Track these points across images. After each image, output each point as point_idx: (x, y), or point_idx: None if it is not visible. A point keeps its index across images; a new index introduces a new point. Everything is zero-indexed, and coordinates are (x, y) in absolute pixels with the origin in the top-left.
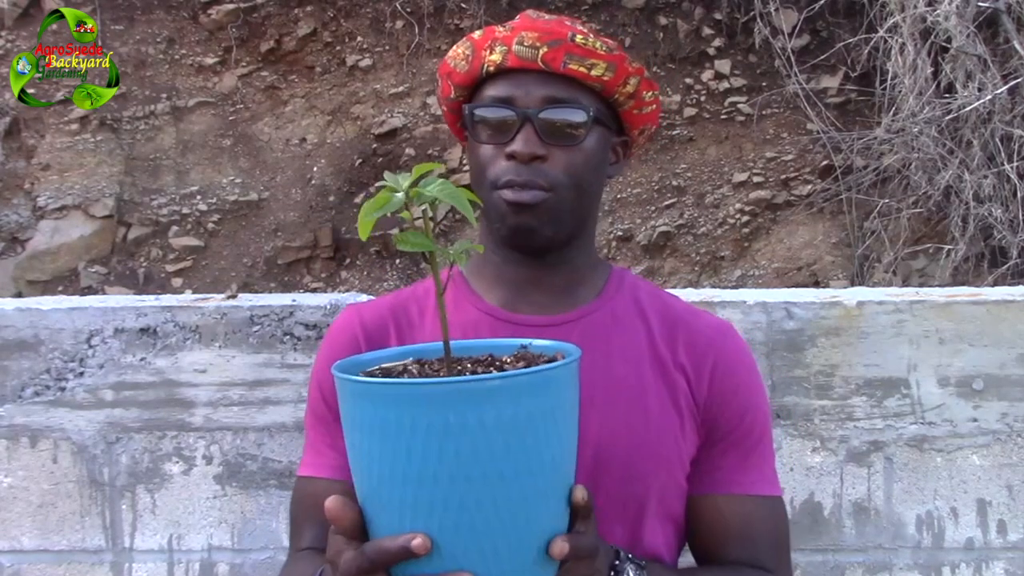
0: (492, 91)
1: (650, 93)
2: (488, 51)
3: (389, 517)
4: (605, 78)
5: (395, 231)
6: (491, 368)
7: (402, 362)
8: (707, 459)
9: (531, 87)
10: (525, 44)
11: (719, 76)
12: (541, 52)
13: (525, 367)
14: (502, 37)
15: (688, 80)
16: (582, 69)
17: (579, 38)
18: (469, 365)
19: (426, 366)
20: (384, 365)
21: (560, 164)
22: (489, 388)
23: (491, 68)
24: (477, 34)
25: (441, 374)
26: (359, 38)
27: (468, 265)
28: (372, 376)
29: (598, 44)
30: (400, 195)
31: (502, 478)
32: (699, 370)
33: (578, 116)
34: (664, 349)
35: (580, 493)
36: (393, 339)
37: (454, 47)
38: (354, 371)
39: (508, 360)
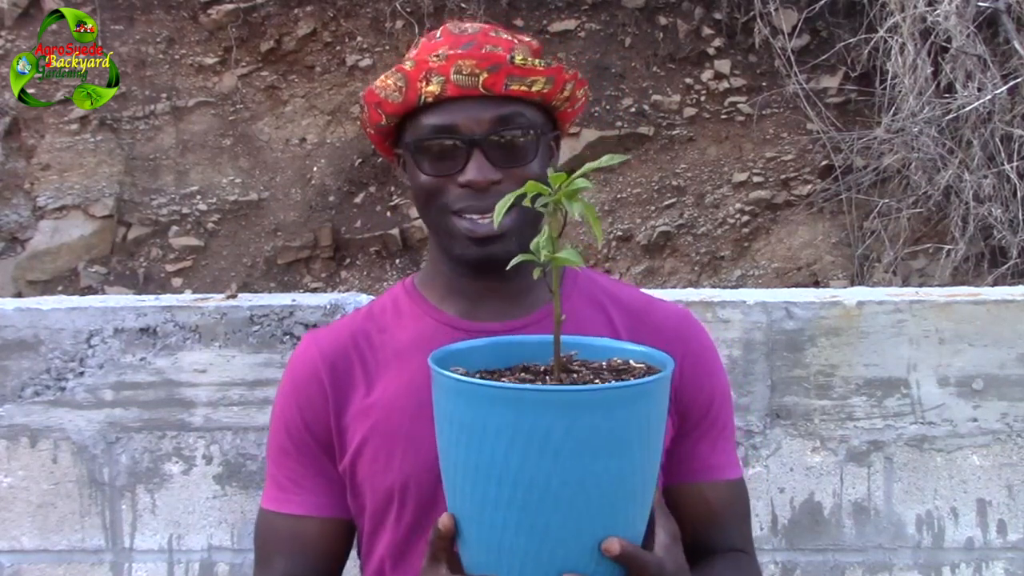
0: (432, 120)
1: (582, 90)
2: (424, 82)
3: (472, 510)
4: (545, 91)
5: (395, 231)
6: (603, 374)
7: (502, 368)
8: (681, 448)
9: (473, 112)
10: (464, 72)
11: (719, 76)
12: (482, 78)
13: (616, 376)
14: (437, 67)
15: (688, 80)
16: (523, 88)
17: (518, 59)
18: (578, 372)
19: (526, 372)
20: (477, 372)
21: (514, 183)
22: (605, 397)
23: (429, 99)
24: (408, 65)
25: (543, 381)
26: (359, 38)
27: (422, 277)
28: (470, 376)
29: (536, 62)
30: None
31: (595, 484)
32: None
33: (525, 132)
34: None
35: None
36: (356, 363)
37: (382, 77)
38: (449, 365)
39: (604, 366)
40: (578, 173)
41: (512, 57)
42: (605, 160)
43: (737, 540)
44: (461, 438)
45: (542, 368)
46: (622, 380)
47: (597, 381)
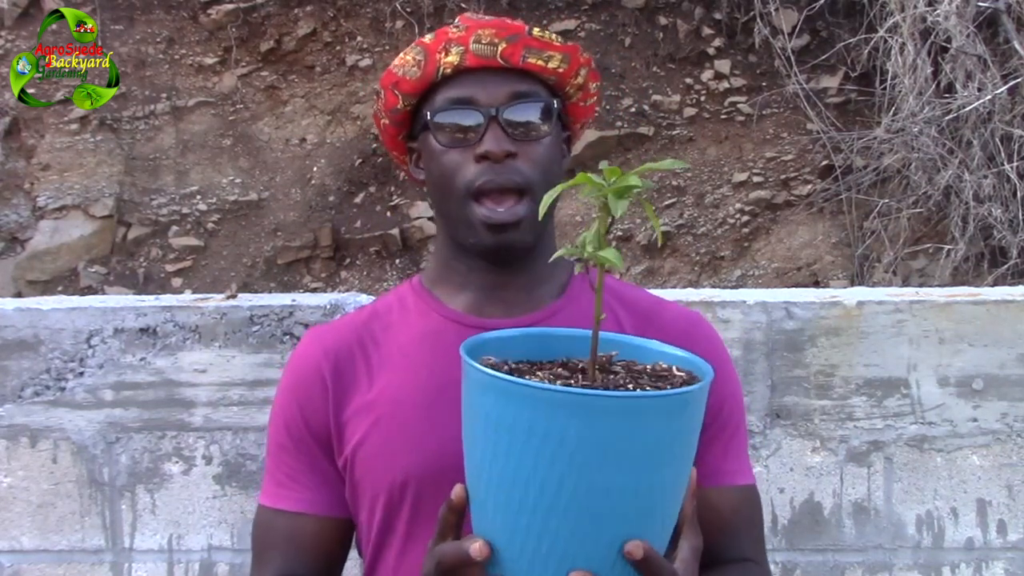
0: (448, 93)
1: (595, 84)
2: (443, 53)
3: (494, 512)
4: (560, 70)
5: (395, 231)
6: (635, 377)
7: (527, 363)
8: None
9: (490, 85)
10: (483, 42)
11: (719, 76)
12: (500, 48)
13: (655, 381)
14: (456, 38)
15: (688, 80)
16: (540, 62)
17: (536, 31)
18: (616, 373)
19: (555, 371)
20: (515, 363)
21: (530, 160)
22: (643, 405)
23: (447, 70)
24: (428, 38)
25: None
26: (359, 38)
27: (430, 274)
28: (501, 369)
29: (553, 36)
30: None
31: (620, 492)
32: None
33: (541, 109)
34: None
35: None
36: (359, 360)
37: (400, 55)
38: (481, 354)
39: (645, 370)
40: (635, 171)
41: (530, 29)
42: (668, 164)
43: (748, 549)
44: (488, 434)
45: (580, 365)
46: (658, 388)
47: (632, 386)
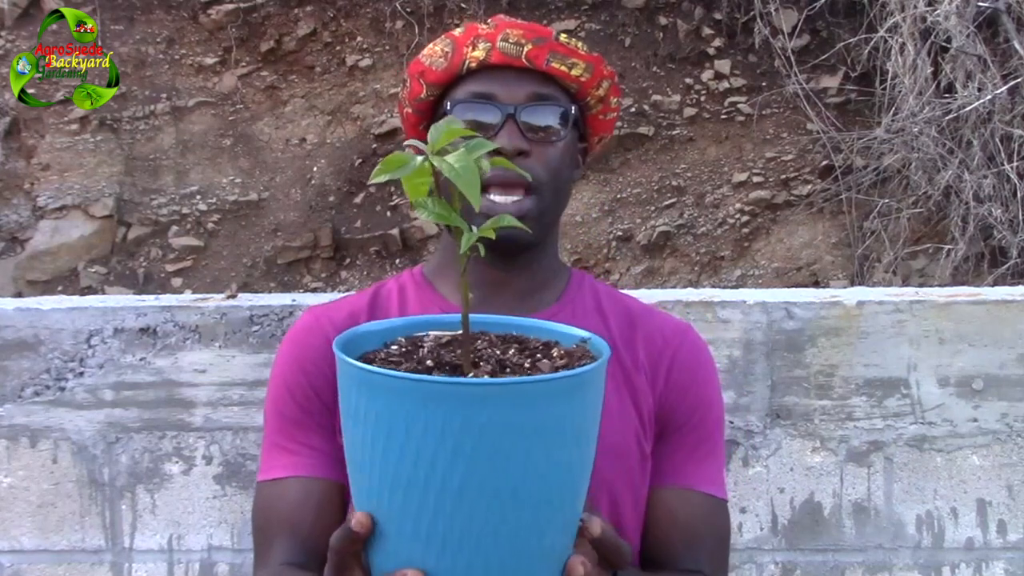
0: (471, 87)
1: (616, 99)
2: (471, 47)
3: (389, 521)
4: (583, 79)
5: (395, 231)
6: (508, 356)
7: (405, 340)
8: (658, 453)
9: (512, 84)
10: (510, 41)
11: (719, 76)
12: (526, 49)
13: (550, 360)
14: (485, 34)
15: (688, 80)
16: (563, 68)
17: (563, 37)
18: (488, 354)
19: (438, 353)
20: (392, 349)
21: (541, 160)
22: (519, 391)
23: (473, 64)
24: (458, 31)
25: (460, 370)
26: (359, 38)
27: (432, 266)
28: (373, 361)
29: (579, 45)
30: (418, 161)
31: (519, 489)
32: (656, 367)
33: (559, 113)
34: (624, 350)
35: (596, 527)
36: None
37: (430, 45)
38: (356, 347)
39: (530, 348)
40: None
41: (557, 35)
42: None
43: (703, 561)
44: (367, 432)
45: (445, 357)
46: (555, 370)
47: (527, 368)
